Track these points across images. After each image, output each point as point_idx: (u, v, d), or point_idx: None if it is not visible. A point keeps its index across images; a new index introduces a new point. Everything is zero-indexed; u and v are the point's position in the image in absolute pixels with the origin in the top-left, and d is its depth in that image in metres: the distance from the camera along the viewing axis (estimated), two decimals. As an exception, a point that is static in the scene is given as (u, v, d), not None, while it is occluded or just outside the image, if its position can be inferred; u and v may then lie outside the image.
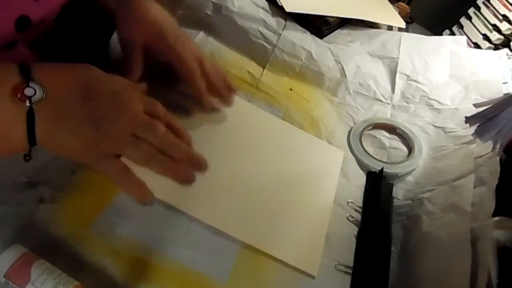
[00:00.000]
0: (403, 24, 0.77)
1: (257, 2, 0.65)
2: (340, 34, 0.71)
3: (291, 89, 0.60)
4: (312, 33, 0.67)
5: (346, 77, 0.63)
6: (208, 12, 0.61)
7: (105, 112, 0.30)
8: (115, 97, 0.31)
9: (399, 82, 0.65)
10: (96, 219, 0.37)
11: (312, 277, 0.41)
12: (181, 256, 0.37)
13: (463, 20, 0.88)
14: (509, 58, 0.69)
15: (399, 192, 0.52)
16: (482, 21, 0.82)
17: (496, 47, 0.79)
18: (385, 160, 0.55)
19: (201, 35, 0.60)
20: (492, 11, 0.80)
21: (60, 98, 0.29)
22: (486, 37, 0.81)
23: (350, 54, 0.66)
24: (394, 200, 0.51)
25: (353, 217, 0.48)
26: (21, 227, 0.34)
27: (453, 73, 0.67)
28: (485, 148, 0.49)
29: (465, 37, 0.76)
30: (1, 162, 0.36)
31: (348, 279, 0.42)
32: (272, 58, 0.62)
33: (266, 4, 0.66)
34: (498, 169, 0.44)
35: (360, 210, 0.49)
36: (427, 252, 0.43)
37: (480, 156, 0.49)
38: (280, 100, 0.58)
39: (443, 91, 0.64)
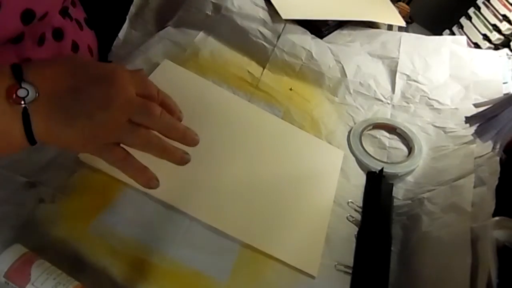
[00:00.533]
0: (403, 23, 0.77)
1: (257, 2, 0.65)
2: (340, 34, 0.71)
3: (291, 89, 0.60)
4: (312, 33, 0.67)
5: (346, 77, 0.63)
6: (208, 12, 0.61)
7: (97, 101, 0.30)
8: (104, 81, 0.30)
9: (399, 82, 0.65)
10: (96, 219, 0.37)
11: (312, 277, 0.41)
12: (181, 256, 0.37)
13: (463, 20, 0.88)
14: (509, 58, 0.69)
15: (399, 192, 0.52)
16: (482, 21, 0.82)
17: (496, 47, 0.79)
18: (385, 160, 0.55)
19: (201, 35, 0.60)
20: (492, 11, 0.80)
21: (52, 94, 0.29)
22: (486, 37, 0.81)
23: (350, 54, 0.66)
24: (394, 200, 0.51)
25: (353, 217, 0.48)
26: (21, 227, 0.34)
27: (453, 73, 0.67)
28: (485, 148, 0.49)
29: (465, 37, 0.76)
30: (1, 162, 0.36)
31: (348, 279, 0.42)
32: (272, 58, 0.62)
33: (266, 4, 0.66)
34: (498, 169, 0.44)
35: (360, 210, 0.49)
36: (427, 252, 0.43)
37: (480, 156, 0.49)
38: (280, 100, 0.57)
39: (443, 91, 0.64)
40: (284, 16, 0.65)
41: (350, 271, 0.43)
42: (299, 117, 0.56)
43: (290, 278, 0.40)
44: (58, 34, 0.47)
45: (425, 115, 0.62)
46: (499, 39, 0.79)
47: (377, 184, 0.51)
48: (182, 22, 0.60)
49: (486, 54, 0.72)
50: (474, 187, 0.45)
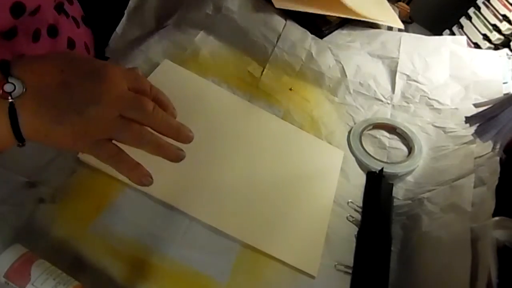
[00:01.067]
0: (401, 25, 0.77)
1: (257, 1, 0.65)
2: (340, 34, 0.71)
3: (291, 89, 0.60)
4: (312, 33, 0.67)
5: (346, 76, 0.63)
6: (208, 12, 0.61)
7: (87, 96, 0.28)
8: (95, 76, 0.29)
9: (399, 82, 0.65)
10: (96, 219, 0.37)
11: (312, 277, 0.41)
12: (181, 256, 0.37)
13: (463, 20, 0.88)
14: (509, 58, 0.69)
15: (399, 192, 0.52)
16: (482, 21, 0.82)
17: (496, 47, 0.79)
18: (385, 160, 0.55)
19: (201, 35, 0.60)
20: (492, 11, 0.80)
21: (39, 90, 0.28)
22: (486, 37, 0.81)
23: (350, 54, 0.66)
24: (394, 200, 0.51)
25: (353, 217, 0.48)
26: (21, 227, 0.34)
27: (453, 73, 0.67)
28: (485, 148, 0.49)
29: (465, 37, 0.76)
30: (1, 162, 0.36)
31: (348, 279, 0.42)
32: (272, 57, 0.62)
33: (266, 4, 0.66)
34: (498, 169, 0.44)
35: (360, 210, 0.49)
36: (427, 252, 0.43)
37: (480, 156, 0.49)
38: (280, 100, 0.57)
39: (443, 91, 0.64)
40: (276, 5, 0.64)
41: (350, 271, 0.43)
42: (299, 117, 0.56)
43: (290, 278, 0.40)
44: (53, 31, 0.46)
45: (425, 115, 0.62)
46: (499, 39, 0.79)
47: (377, 184, 0.51)
48: (182, 21, 0.60)
49: (486, 54, 0.72)
50: (474, 187, 0.45)
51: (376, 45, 0.70)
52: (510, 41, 0.78)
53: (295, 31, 0.65)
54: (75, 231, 0.35)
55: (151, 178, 0.32)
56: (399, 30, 0.77)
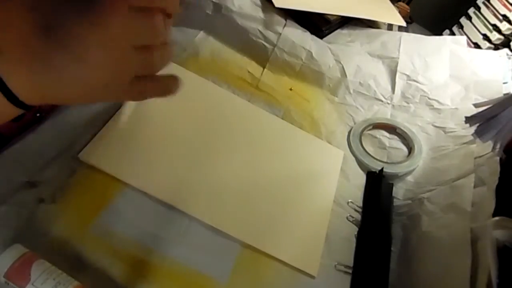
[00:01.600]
0: (403, 23, 0.77)
1: (257, 1, 0.65)
2: (340, 34, 0.71)
3: (291, 89, 0.60)
4: (312, 33, 0.67)
5: (346, 76, 0.63)
6: (208, 12, 0.61)
7: (82, 37, 0.21)
8: (83, 6, 0.21)
9: (399, 82, 0.65)
10: (96, 219, 0.37)
11: (312, 277, 0.41)
12: (181, 256, 0.37)
13: (463, 20, 0.88)
14: (509, 58, 0.69)
15: (399, 192, 0.52)
16: (482, 21, 0.82)
17: (496, 47, 0.79)
18: (385, 160, 0.55)
19: (201, 35, 0.60)
20: (492, 11, 0.80)
21: (18, 44, 0.21)
22: (486, 37, 0.81)
23: (350, 54, 0.66)
24: (394, 200, 0.51)
25: (353, 217, 0.48)
26: (21, 227, 0.34)
27: (453, 73, 0.67)
28: (485, 148, 0.49)
29: (465, 37, 0.76)
30: (1, 162, 0.36)
31: (348, 279, 0.42)
32: (272, 57, 0.62)
33: (266, 4, 0.66)
34: (498, 169, 0.44)
35: (360, 210, 0.49)
36: (427, 252, 0.43)
37: (480, 156, 0.49)
38: (280, 100, 0.57)
39: (443, 91, 0.64)
40: (276, 4, 0.64)
41: (350, 271, 0.43)
42: (299, 117, 0.56)
43: (290, 278, 0.40)
44: None
45: (425, 115, 0.62)
46: (499, 39, 0.79)
47: (377, 184, 0.51)
48: (182, 21, 0.60)
49: (486, 54, 0.72)
50: (474, 187, 0.45)
51: (376, 45, 0.70)
52: (510, 41, 0.78)
53: (295, 31, 0.65)
54: (75, 231, 0.35)
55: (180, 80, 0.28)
56: (399, 29, 0.77)
